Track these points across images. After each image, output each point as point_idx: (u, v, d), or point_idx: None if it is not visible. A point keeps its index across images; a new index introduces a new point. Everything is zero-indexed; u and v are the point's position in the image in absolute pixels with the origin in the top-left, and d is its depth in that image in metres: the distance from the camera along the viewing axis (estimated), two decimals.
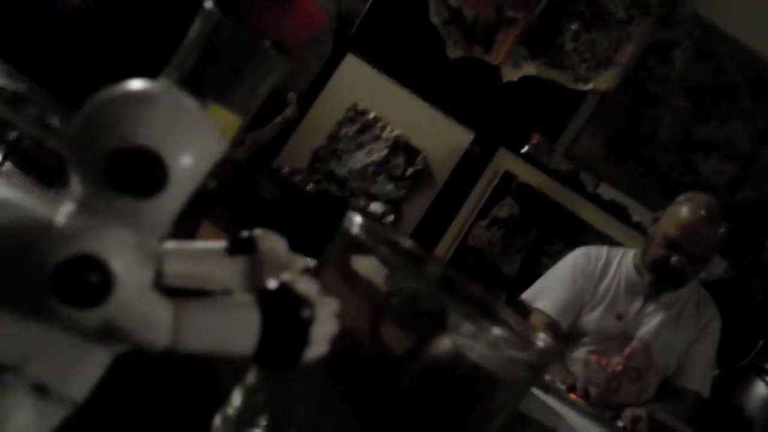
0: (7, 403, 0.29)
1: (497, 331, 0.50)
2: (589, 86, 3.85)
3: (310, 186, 3.41)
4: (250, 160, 3.28)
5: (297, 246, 0.36)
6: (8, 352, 0.29)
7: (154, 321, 0.29)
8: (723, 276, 3.59)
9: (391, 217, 3.61)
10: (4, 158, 0.83)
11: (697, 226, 2.45)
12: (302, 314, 0.31)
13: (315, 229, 2.97)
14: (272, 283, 0.31)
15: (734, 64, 3.85)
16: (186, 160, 0.29)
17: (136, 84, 0.29)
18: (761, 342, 3.46)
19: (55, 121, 1.09)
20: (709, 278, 3.23)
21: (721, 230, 2.48)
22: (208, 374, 0.58)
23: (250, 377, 0.47)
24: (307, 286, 0.31)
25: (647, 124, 3.89)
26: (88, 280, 0.27)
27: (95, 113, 0.29)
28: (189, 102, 0.30)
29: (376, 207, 3.58)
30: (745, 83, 3.87)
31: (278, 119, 3.32)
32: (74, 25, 3.13)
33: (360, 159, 3.73)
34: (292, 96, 3.36)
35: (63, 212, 0.29)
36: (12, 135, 0.87)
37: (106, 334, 0.28)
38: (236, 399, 0.48)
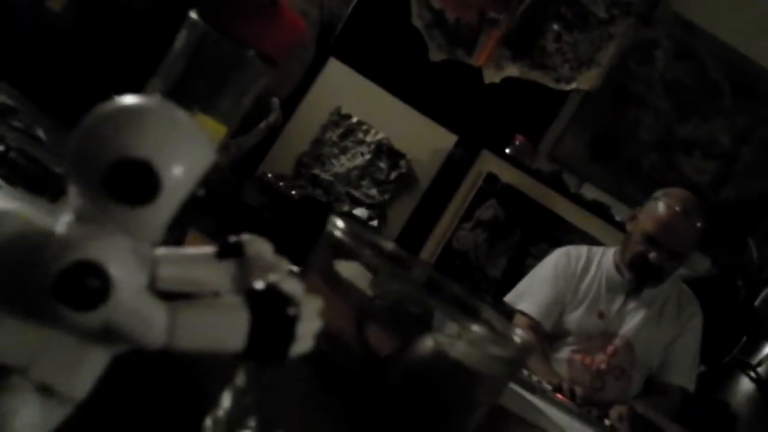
0: (15, 402, 0.31)
1: (478, 329, 0.52)
2: (572, 86, 3.87)
3: (295, 192, 3.41)
4: (235, 166, 3.29)
5: (282, 252, 0.37)
6: (14, 355, 0.30)
7: (151, 322, 0.31)
8: (706, 274, 3.61)
9: (375, 222, 3.62)
10: None
11: (674, 221, 2.46)
12: (288, 312, 0.33)
13: (300, 234, 2.98)
14: (259, 284, 0.33)
15: (715, 63, 3.88)
16: (178, 170, 0.31)
17: (130, 99, 0.31)
18: (745, 337, 3.49)
19: (41, 133, 1.10)
20: (692, 275, 3.26)
21: (699, 224, 2.49)
22: (198, 377, 0.60)
23: (239, 379, 0.49)
24: (292, 286, 0.33)
25: (629, 124, 3.92)
26: (89, 284, 0.29)
27: (92, 128, 0.30)
28: (181, 115, 0.32)
29: (360, 211, 3.59)
30: (726, 81, 3.89)
31: (262, 125, 3.32)
32: (57, 35, 3.13)
33: (344, 163, 3.74)
34: (275, 101, 3.37)
35: (62, 222, 0.30)
36: None
37: (106, 335, 0.30)
38: (226, 401, 0.49)
